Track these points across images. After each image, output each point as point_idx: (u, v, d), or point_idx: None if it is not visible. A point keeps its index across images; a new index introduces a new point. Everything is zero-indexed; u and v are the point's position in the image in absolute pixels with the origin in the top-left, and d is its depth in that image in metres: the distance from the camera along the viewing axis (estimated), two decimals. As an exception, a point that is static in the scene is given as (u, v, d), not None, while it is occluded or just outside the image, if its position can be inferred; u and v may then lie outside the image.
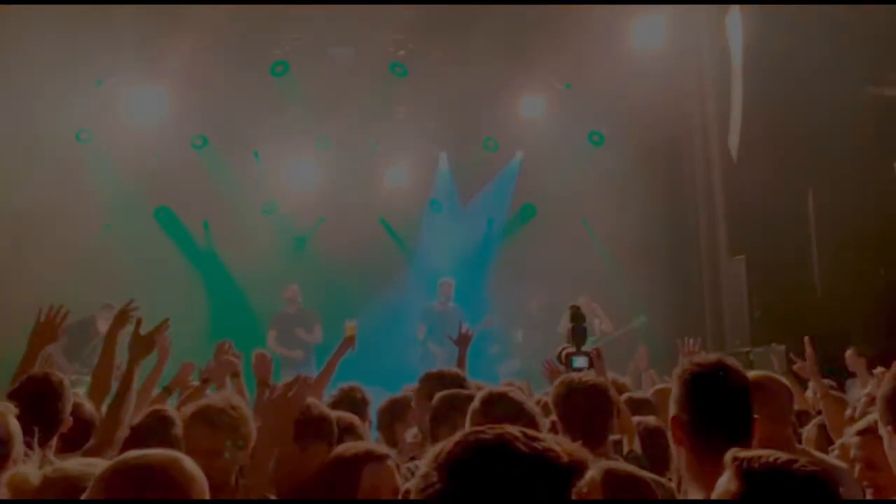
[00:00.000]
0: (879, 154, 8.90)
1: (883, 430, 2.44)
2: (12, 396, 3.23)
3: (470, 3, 10.02)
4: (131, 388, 3.56)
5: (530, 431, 1.46)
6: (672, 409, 2.44)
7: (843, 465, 3.19)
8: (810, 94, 8.75)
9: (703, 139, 10.98)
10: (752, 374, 2.88)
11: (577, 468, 1.42)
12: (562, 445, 1.44)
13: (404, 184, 12.14)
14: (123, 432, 3.41)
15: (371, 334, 10.60)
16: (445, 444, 1.45)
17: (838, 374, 7.10)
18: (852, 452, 2.85)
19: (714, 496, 1.82)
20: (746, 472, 1.75)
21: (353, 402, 4.40)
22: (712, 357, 2.52)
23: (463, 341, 5.21)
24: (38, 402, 3.31)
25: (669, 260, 10.87)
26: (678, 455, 2.43)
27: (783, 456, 1.78)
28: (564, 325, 4.86)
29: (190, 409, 3.21)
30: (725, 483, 1.78)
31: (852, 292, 8.57)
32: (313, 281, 11.04)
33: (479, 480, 1.39)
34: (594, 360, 4.66)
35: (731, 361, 2.49)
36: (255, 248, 11.06)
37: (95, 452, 3.24)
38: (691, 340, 4.86)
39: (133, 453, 1.89)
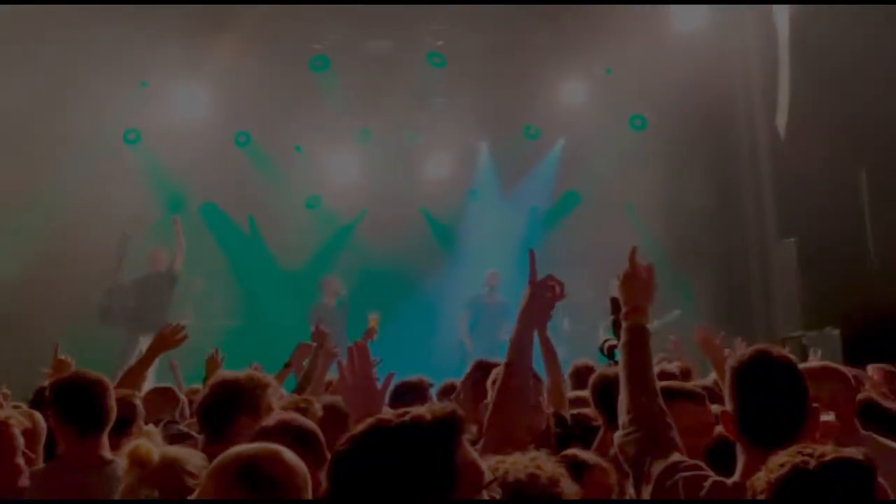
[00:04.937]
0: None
1: None
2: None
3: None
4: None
5: (405, 409, 1.59)
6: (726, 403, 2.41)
7: None
8: (860, 68, 8.46)
9: (748, 119, 10.70)
10: (801, 366, 2.80)
11: (445, 421, 1.55)
12: (430, 408, 1.58)
13: (445, 174, 12.11)
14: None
15: (413, 325, 10.65)
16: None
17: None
18: None
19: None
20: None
21: (415, 389, 4.37)
22: (752, 348, 2.43)
23: None
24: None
25: (717, 244, 10.64)
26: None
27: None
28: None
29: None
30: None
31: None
32: (356, 272, 11.09)
33: (356, 467, 1.52)
34: None
35: (776, 350, 2.40)
36: (299, 241, 11.14)
37: None
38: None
39: (238, 448, 1.99)
